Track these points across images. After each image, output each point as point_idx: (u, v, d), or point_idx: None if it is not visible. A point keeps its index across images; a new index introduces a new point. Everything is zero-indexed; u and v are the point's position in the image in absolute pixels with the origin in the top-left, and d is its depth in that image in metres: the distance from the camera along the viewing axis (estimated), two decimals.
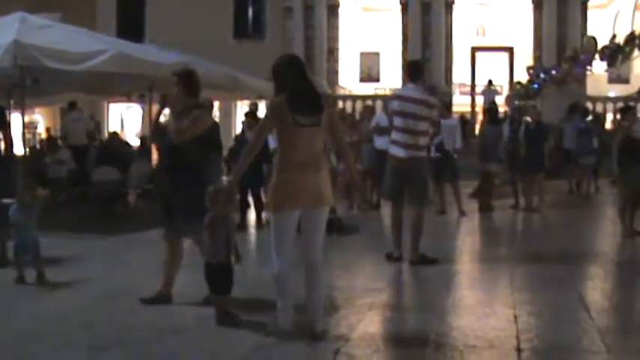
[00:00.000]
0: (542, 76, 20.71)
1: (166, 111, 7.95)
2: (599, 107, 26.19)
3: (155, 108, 7.63)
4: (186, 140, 7.27)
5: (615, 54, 18.92)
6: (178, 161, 7.35)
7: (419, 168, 9.92)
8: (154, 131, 7.43)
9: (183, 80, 7.50)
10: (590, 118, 21.86)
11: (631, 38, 18.51)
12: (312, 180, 6.18)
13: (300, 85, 6.24)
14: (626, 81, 30.04)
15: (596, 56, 19.75)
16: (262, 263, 7.56)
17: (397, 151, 9.87)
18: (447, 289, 8.46)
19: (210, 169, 7.48)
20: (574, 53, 20.65)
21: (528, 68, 22.37)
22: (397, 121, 9.83)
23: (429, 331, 6.57)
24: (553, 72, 20.84)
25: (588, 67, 20.45)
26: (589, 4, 29.01)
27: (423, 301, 8.10)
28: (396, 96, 10.16)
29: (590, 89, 28.41)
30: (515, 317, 7.09)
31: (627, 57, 19.16)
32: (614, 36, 19.07)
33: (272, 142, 10.09)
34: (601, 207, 16.94)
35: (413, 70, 10.09)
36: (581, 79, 22.44)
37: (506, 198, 16.79)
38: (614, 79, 30.18)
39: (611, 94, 29.15)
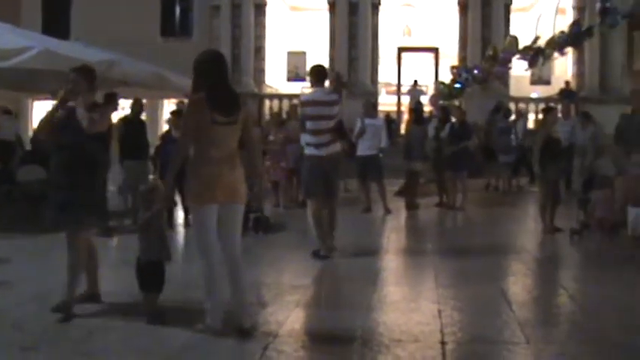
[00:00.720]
0: (464, 75, 21.02)
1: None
2: (521, 107, 26.75)
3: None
4: (89, 135, 7.16)
5: (536, 55, 19.34)
6: (78, 157, 7.18)
7: (336, 163, 10.44)
8: (47, 128, 7.15)
9: (88, 76, 7.35)
10: (512, 118, 22.40)
11: (552, 40, 18.95)
12: (228, 176, 6.31)
13: (220, 84, 6.34)
14: (548, 82, 30.68)
15: (517, 56, 20.13)
16: (192, 261, 7.58)
17: (315, 151, 10.23)
18: (372, 285, 8.60)
19: (104, 167, 7.46)
20: (494, 52, 21.00)
21: (452, 67, 22.68)
22: (309, 124, 10.18)
23: (356, 327, 6.69)
24: (475, 71, 21.15)
25: (509, 66, 20.82)
26: (512, 7, 29.54)
27: (350, 297, 8.19)
28: (305, 101, 10.40)
29: (514, 90, 28.98)
30: (440, 312, 7.26)
31: (547, 58, 19.60)
32: (536, 37, 19.46)
33: None
34: (523, 205, 17.30)
35: (317, 74, 10.35)
36: (502, 78, 22.86)
37: (432, 196, 17.03)
38: (536, 81, 30.80)
39: (534, 95, 29.75)
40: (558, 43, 18.91)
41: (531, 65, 19.61)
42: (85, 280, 7.59)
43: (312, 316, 7.40)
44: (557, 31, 18.95)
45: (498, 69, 20.22)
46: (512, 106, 26.80)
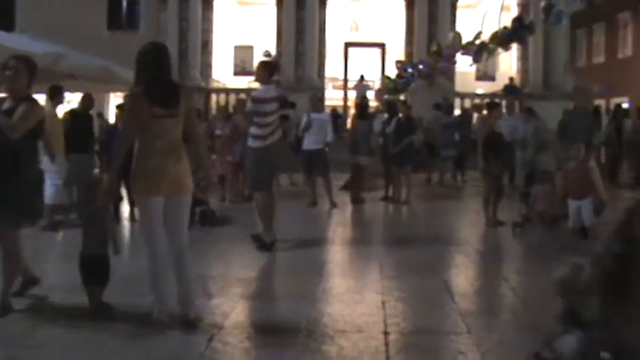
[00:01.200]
0: (409, 70, 21.23)
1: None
2: (467, 103, 27.08)
3: None
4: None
5: (480, 50, 19.61)
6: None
7: (278, 150, 10.89)
8: None
9: (29, 66, 7.11)
10: (458, 113, 22.69)
11: (495, 35, 19.23)
12: (172, 169, 6.33)
13: (160, 77, 6.36)
14: (493, 78, 31.08)
15: (460, 51, 20.40)
16: (138, 255, 7.59)
17: (260, 144, 10.43)
18: (318, 276, 8.69)
19: (30, 165, 7.18)
20: (438, 48, 21.25)
21: (397, 62, 22.90)
22: (257, 119, 10.42)
23: (301, 318, 6.77)
24: (420, 67, 21.38)
25: (453, 62, 21.07)
26: (459, 3, 29.90)
27: (295, 288, 8.27)
28: (256, 98, 10.60)
29: (459, 86, 29.32)
30: (383, 303, 7.37)
31: (491, 53, 19.89)
32: (479, 33, 19.73)
33: None
34: (467, 198, 17.50)
35: (266, 70, 10.66)
36: (447, 73, 23.15)
37: (378, 191, 17.16)
38: (481, 77, 31.18)
39: (479, 91, 30.10)
40: (502, 39, 19.19)
41: (476, 60, 19.88)
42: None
43: (257, 307, 7.46)
44: (500, 27, 19.22)
45: (443, 64, 20.47)
46: (457, 101, 27.14)
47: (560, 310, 4.66)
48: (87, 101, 13.90)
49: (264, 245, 10.38)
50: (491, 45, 19.38)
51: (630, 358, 3.99)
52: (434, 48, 21.74)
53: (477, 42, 19.55)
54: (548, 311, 7.11)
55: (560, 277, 4.70)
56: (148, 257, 6.39)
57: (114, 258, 7.04)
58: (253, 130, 10.53)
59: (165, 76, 6.40)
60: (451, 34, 22.05)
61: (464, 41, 20.39)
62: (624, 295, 4.03)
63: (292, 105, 20.10)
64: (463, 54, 20.02)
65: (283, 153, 17.80)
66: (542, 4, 18.70)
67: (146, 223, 6.38)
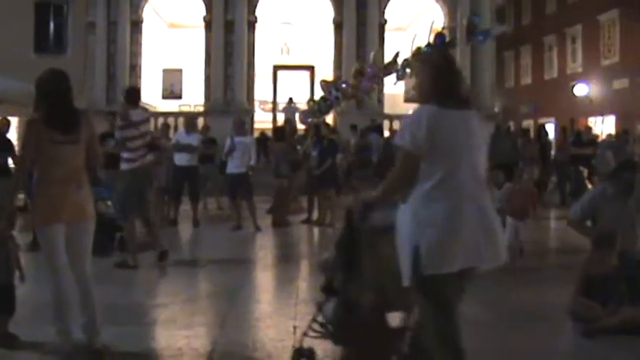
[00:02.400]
0: (334, 92, 21.26)
1: None
2: (395, 125, 27.24)
3: None
4: None
5: (403, 68, 19.81)
6: None
7: (149, 173, 11.54)
8: None
9: None
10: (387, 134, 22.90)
11: (417, 53, 19.44)
12: (74, 196, 6.24)
13: (60, 103, 6.30)
14: None
15: (383, 70, 20.57)
16: (43, 283, 7.46)
17: (128, 166, 10.80)
18: (234, 301, 8.65)
19: None
20: (360, 67, 21.38)
21: (322, 82, 22.93)
22: (130, 143, 10.74)
23: (211, 345, 6.78)
24: (343, 86, 21.43)
25: (376, 81, 21.21)
26: (388, 26, 30.16)
27: (209, 314, 8.22)
28: (123, 125, 10.84)
29: (388, 108, 29.55)
30: (295, 328, 7.33)
31: (414, 71, 20.11)
32: (397, 53, 19.90)
33: None
34: None
35: (131, 96, 11.07)
36: (370, 93, 23.25)
37: (305, 213, 17.10)
38: (410, 99, 31.37)
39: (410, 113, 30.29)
40: (424, 55, 19.40)
41: (399, 78, 20.03)
42: None
43: (168, 335, 7.36)
44: (422, 45, 19.44)
45: (365, 84, 20.52)
46: (386, 123, 27.33)
47: (322, 284, 5.75)
48: (2, 125, 13.70)
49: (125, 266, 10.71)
50: (414, 62, 19.58)
51: (357, 310, 5.36)
52: (357, 67, 21.85)
53: (399, 60, 19.72)
54: None
55: (321, 258, 6.24)
56: (52, 286, 6.28)
57: (19, 287, 6.90)
58: (127, 154, 10.81)
59: (66, 102, 6.34)
60: (372, 54, 22.18)
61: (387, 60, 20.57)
62: (351, 267, 5.38)
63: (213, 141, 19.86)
64: (386, 73, 20.16)
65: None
66: (464, 21, 19.01)
67: (48, 252, 6.26)
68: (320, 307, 5.78)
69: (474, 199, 4.61)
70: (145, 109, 11.44)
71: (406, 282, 4.65)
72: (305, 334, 5.92)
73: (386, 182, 4.87)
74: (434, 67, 4.85)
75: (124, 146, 10.78)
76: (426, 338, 4.84)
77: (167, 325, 7.72)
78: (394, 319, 5.52)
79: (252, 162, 15.50)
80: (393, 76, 19.65)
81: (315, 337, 5.86)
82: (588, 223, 8.46)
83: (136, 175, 10.76)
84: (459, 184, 4.57)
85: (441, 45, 19.05)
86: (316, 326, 5.81)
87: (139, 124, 10.80)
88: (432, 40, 19.44)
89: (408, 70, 19.32)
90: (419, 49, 19.30)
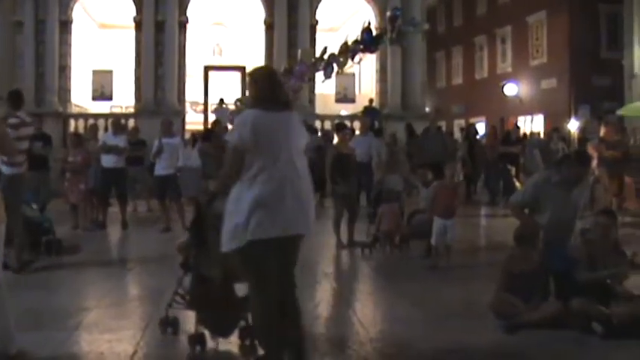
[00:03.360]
0: None
1: None
2: (327, 125, 27.28)
3: None
4: None
5: (330, 65, 19.88)
6: None
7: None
8: None
9: None
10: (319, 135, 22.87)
11: (344, 49, 19.52)
12: None
13: None
14: (353, 100, 31.39)
15: (311, 67, 20.60)
16: None
17: (16, 170, 10.41)
18: (159, 304, 8.52)
19: None
20: (289, 66, 21.40)
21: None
22: (19, 145, 10.20)
23: (134, 347, 6.73)
24: None
25: (304, 79, 21.21)
26: (320, 27, 30.10)
27: (133, 318, 8.14)
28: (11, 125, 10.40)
29: (319, 108, 29.57)
30: None
31: (342, 67, 20.18)
32: (325, 48, 19.96)
33: None
34: (325, 220, 17.46)
35: (15, 99, 10.74)
36: (298, 91, 23.20)
37: None
38: (341, 99, 31.46)
39: (343, 113, 30.38)
40: (351, 51, 19.49)
41: (327, 76, 20.09)
42: None
43: (90, 338, 7.23)
44: (349, 40, 19.52)
45: (293, 82, 20.52)
46: (317, 123, 27.32)
47: (180, 261, 6.80)
48: None
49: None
50: (341, 58, 19.64)
51: (207, 282, 6.49)
52: (285, 66, 21.86)
53: (325, 57, 19.78)
54: (385, 333, 7.33)
55: (179, 241, 7.35)
56: None
57: None
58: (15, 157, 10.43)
59: None
60: (300, 51, 22.18)
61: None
62: (201, 247, 6.44)
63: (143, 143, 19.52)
64: (314, 71, 20.21)
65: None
66: (388, 14, 19.17)
67: None
68: (180, 282, 6.90)
69: (292, 183, 5.64)
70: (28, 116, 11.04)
71: (225, 248, 5.67)
72: (169, 305, 6.96)
73: (220, 174, 6.06)
74: (255, 80, 5.94)
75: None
76: (251, 307, 5.95)
77: (90, 329, 7.60)
78: (240, 289, 6.48)
79: (180, 163, 15.37)
80: (321, 74, 19.71)
81: (178, 308, 6.94)
82: (526, 210, 8.49)
83: (19, 180, 10.47)
84: (279, 171, 5.57)
85: (368, 41, 19.13)
86: (178, 298, 6.91)
87: (18, 126, 10.36)
88: (359, 37, 19.53)
89: (335, 67, 19.39)
90: (346, 44, 19.39)
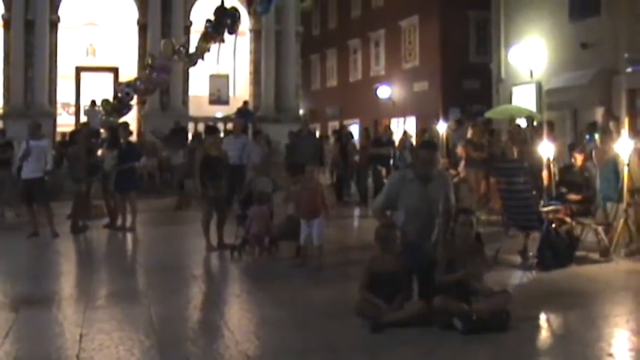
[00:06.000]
0: (125, 90, 20.98)
1: None
2: (200, 127, 27.14)
3: None
4: None
5: (195, 51, 20.07)
6: None
7: None
8: None
9: None
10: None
11: (204, 33, 19.81)
12: None
13: None
14: (226, 102, 31.33)
15: (174, 58, 20.66)
16: None
17: None
18: (20, 312, 8.38)
19: None
20: (152, 60, 21.32)
21: (117, 84, 22.57)
22: None
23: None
24: (137, 83, 21.20)
25: (167, 71, 21.21)
26: (194, 28, 29.73)
27: None
28: None
29: (193, 110, 29.45)
30: (82, 336, 7.22)
31: (204, 52, 20.37)
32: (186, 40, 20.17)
33: None
34: (194, 223, 17.23)
35: None
36: (163, 84, 23.11)
37: (105, 217, 16.68)
38: (215, 101, 31.37)
39: (219, 115, 30.24)
40: (208, 35, 19.68)
41: (192, 64, 20.29)
42: None
43: None
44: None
45: (156, 75, 20.46)
46: (191, 125, 27.21)
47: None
48: None
49: None
50: (202, 44, 19.80)
51: None
52: (148, 61, 21.76)
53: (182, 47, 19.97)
54: (251, 335, 7.39)
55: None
56: None
57: None
58: None
59: None
60: (162, 42, 22.10)
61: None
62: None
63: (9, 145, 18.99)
64: (177, 61, 20.35)
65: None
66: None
67: None
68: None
69: None
70: None
71: None
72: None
73: None
74: None
75: None
76: None
77: None
78: None
79: (49, 166, 14.99)
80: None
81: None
82: (388, 213, 8.63)
83: None
84: None
85: (222, 17, 19.49)
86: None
87: None
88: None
89: (197, 54, 19.58)
90: (204, 32, 19.62)
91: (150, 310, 8.50)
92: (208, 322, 8.29)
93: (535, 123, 19.20)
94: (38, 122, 15.81)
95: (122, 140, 16.26)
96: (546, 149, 12.47)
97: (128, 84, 21.37)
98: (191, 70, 29.00)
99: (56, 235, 14.66)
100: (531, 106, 26.27)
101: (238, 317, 8.51)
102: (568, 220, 11.67)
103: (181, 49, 20.52)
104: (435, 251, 8.13)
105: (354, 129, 35.28)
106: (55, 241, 14.39)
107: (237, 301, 9.46)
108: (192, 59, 20.51)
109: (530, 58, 27.17)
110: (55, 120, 28.34)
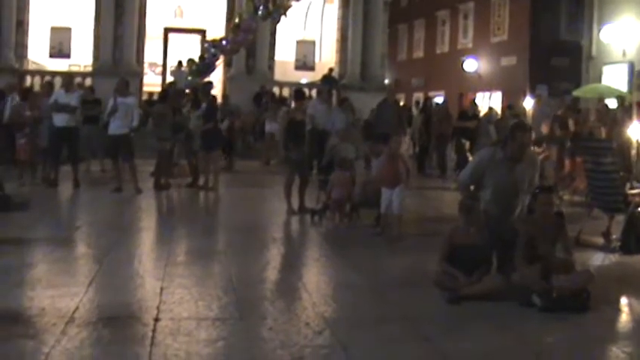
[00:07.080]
0: (212, 50, 21.06)
1: None
2: (285, 92, 27.24)
3: None
4: None
5: (277, 12, 20.07)
6: None
7: None
8: None
9: None
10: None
11: None
12: None
13: None
14: (312, 68, 31.28)
15: (258, 15, 20.68)
16: None
17: None
18: (101, 263, 8.53)
19: None
20: (239, 20, 21.35)
21: (203, 42, 22.62)
22: None
23: (70, 306, 6.62)
24: (224, 43, 21.25)
25: (251, 31, 21.23)
26: None
27: (76, 275, 8.10)
28: None
29: (278, 75, 29.48)
30: (162, 289, 7.31)
31: (287, 9, 20.33)
32: None
33: None
34: (275, 186, 17.31)
35: None
36: (248, 44, 23.11)
37: (188, 176, 16.82)
38: (300, 66, 31.32)
39: (304, 81, 30.23)
40: None
41: (276, 22, 20.24)
42: None
43: (32, 294, 7.18)
44: None
45: (241, 36, 20.48)
46: (276, 90, 27.28)
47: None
48: None
49: None
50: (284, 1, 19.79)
51: None
52: (236, 21, 21.77)
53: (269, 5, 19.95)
54: (328, 298, 7.37)
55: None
56: None
57: None
58: None
59: None
60: (245, 2, 22.08)
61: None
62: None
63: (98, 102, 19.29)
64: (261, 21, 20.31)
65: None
66: None
67: None
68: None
69: None
70: None
71: None
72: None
73: None
74: None
75: None
76: None
77: (33, 284, 7.57)
78: None
79: (135, 123, 15.19)
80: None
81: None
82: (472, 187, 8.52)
83: None
84: None
85: None
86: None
87: None
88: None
89: (281, 12, 19.52)
90: None
91: (229, 268, 8.56)
92: (286, 283, 8.33)
93: (626, 104, 18.73)
94: (126, 80, 15.99)
95: (204, 101, 16.40)
96: (636, 131, 12.13)
97: (214, 44, 21.42)
98: (278, 35, 29.12)
99: (139, 191, 14.87)
100: (622, 86, 25.67)
101: (316, 280, 8.52)
102: None
103: (262, 7, 20.48)
104: (517, 227, 8.00)
105: (439, 101, 34.98)
106: (138, 197, 14.62)
107: (316, 264, 9.48)
108: (274, 16, 20.45)
109: (624, 38, 26.50)
110: (141, 79, 28.57)
